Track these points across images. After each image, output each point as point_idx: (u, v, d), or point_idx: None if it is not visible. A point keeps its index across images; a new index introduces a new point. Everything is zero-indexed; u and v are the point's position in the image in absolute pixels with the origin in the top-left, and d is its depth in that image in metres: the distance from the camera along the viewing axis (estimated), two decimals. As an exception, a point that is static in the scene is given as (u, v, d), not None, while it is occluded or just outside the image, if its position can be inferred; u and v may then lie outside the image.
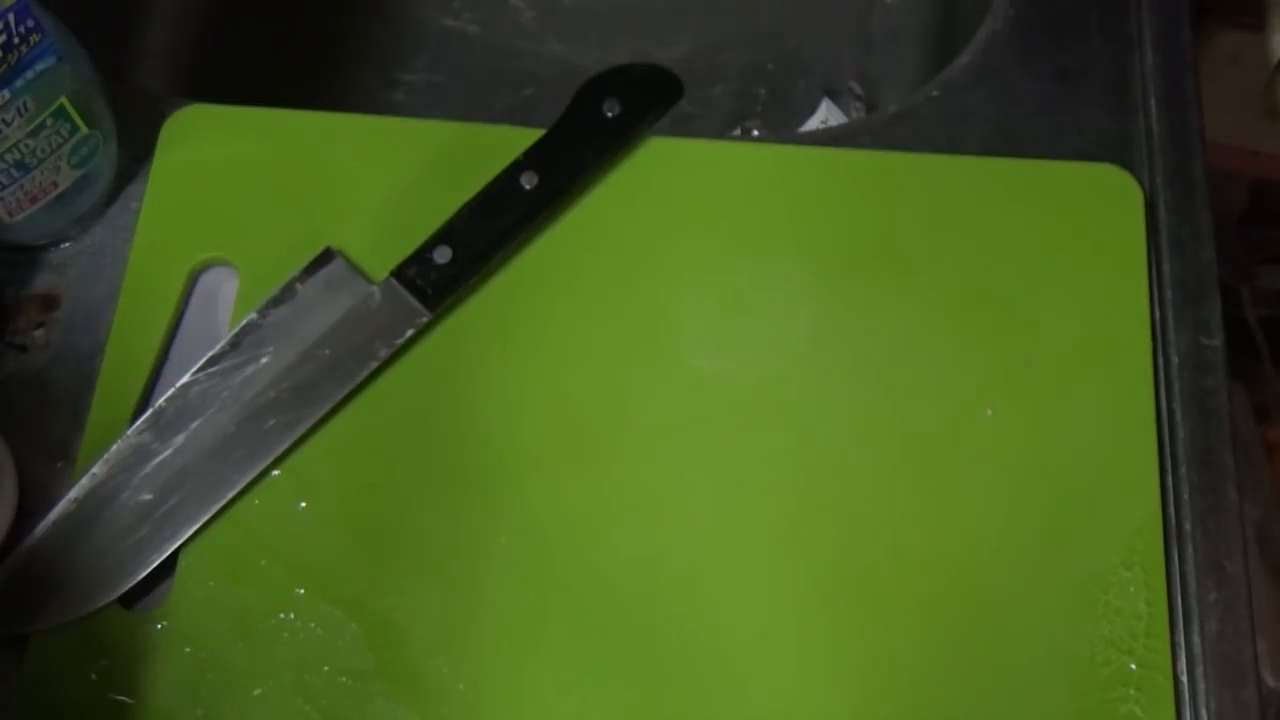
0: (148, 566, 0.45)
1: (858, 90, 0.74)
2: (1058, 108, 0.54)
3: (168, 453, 0.46)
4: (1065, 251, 0.51)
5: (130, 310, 0.49)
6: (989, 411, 0.48)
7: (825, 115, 0.72)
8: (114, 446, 0.46)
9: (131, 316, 0.49)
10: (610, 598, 0.45)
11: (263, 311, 0.48)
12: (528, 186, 0.49)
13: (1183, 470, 0.48)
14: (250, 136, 0.52)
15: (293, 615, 0.45)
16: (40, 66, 0.45)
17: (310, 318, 0.48)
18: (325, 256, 0.49)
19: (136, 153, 0.52)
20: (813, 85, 0.75)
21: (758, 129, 0.74)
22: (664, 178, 0.52)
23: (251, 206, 0.51)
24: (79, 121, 0.48)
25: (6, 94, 0.44)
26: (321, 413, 0.47)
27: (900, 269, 0.50)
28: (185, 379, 0.47)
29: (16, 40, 0.44)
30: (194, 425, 0.46)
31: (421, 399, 0.48)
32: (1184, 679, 0.45)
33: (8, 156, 0.46)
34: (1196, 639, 0.45)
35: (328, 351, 0.48)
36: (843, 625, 0.45)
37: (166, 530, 0.45)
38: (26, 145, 0.46)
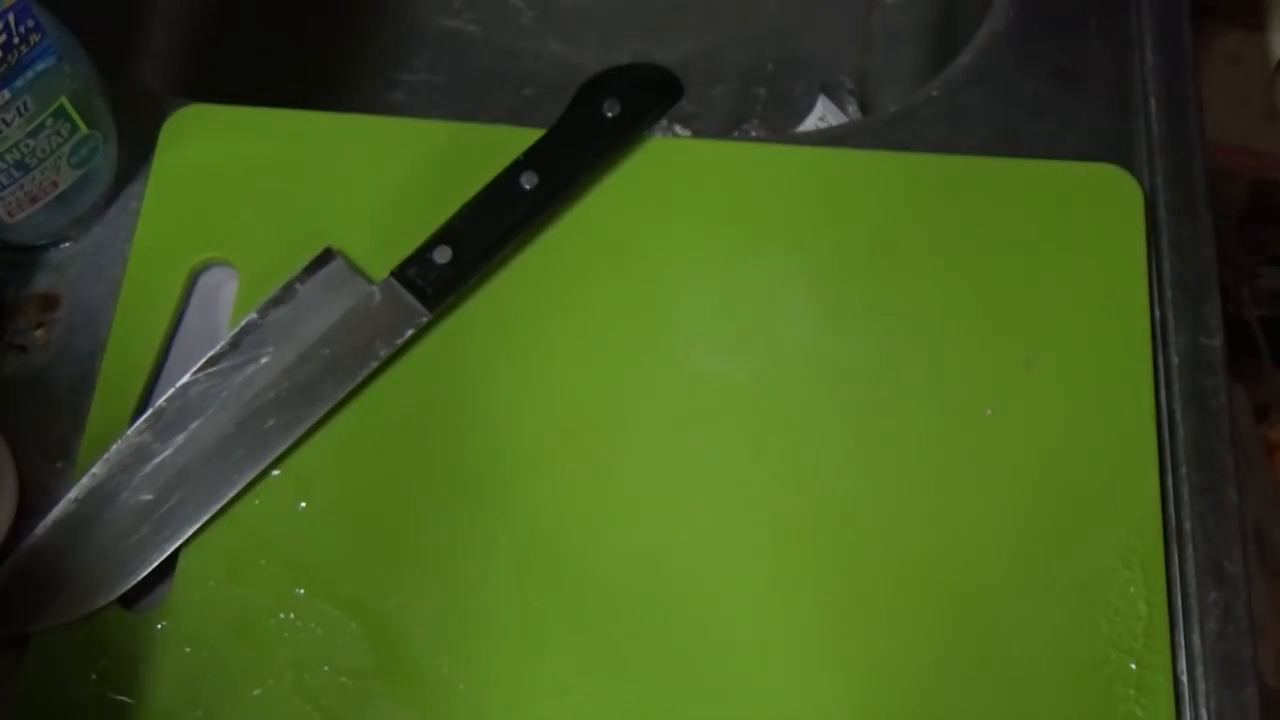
0: (148, 566, 0.45)
1: (849, 85, 0.74)
2: (1058, 108, 0.54)
3: (168, 453, 0.46)
4: (1065, 251, 0.51)
5: (130, 310, 0.49)
6: (989, 411, 0.48)
7: (822, 112, 0.72)
8: (114, 446, 0.46)
9: (131, 316, 0.49)
10: (610, 598, 0.46)
11: (263, 311, 0.48)
12: (528, 186, 0.49)
13: (1183, 470, 0.48)
14: (250, 136, 0.52)
15: (293, 615, 0.45)
16: (40, 66, 0.45)
17: (310, 318, 0.48)
18: (325, 256, 0.49)
19: (136, 153, 0.52)
20: (812, 85, 0.75)
21: (757, 129, 0.75)
22: (664, 178, 0.52)
23: (251, 206, 0.51)
24: (79, 121, 0.48)
25: (6, 94, 0.44)
26: (321, 413, 0.47)
27: (900, 269, 0.50)
28: (185, 379, 0.47)
29: (16, 40, 0.44)
30: (194, 425, 0.46)
31: (421, 399, 0.48)
32: (1184, 679, 0.45)
33: (8, 156, 0.46)
34: (1196, 639, 0.45)
35: (328, 351, 0.48)
36: (842, 624, 0.45)
37: (166, 530, 0.45)
38: (26, 145, 0.46)
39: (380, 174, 0.51)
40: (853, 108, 0.74)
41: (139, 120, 0.52)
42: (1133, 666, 0.45)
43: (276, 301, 0.48)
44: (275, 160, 0.52)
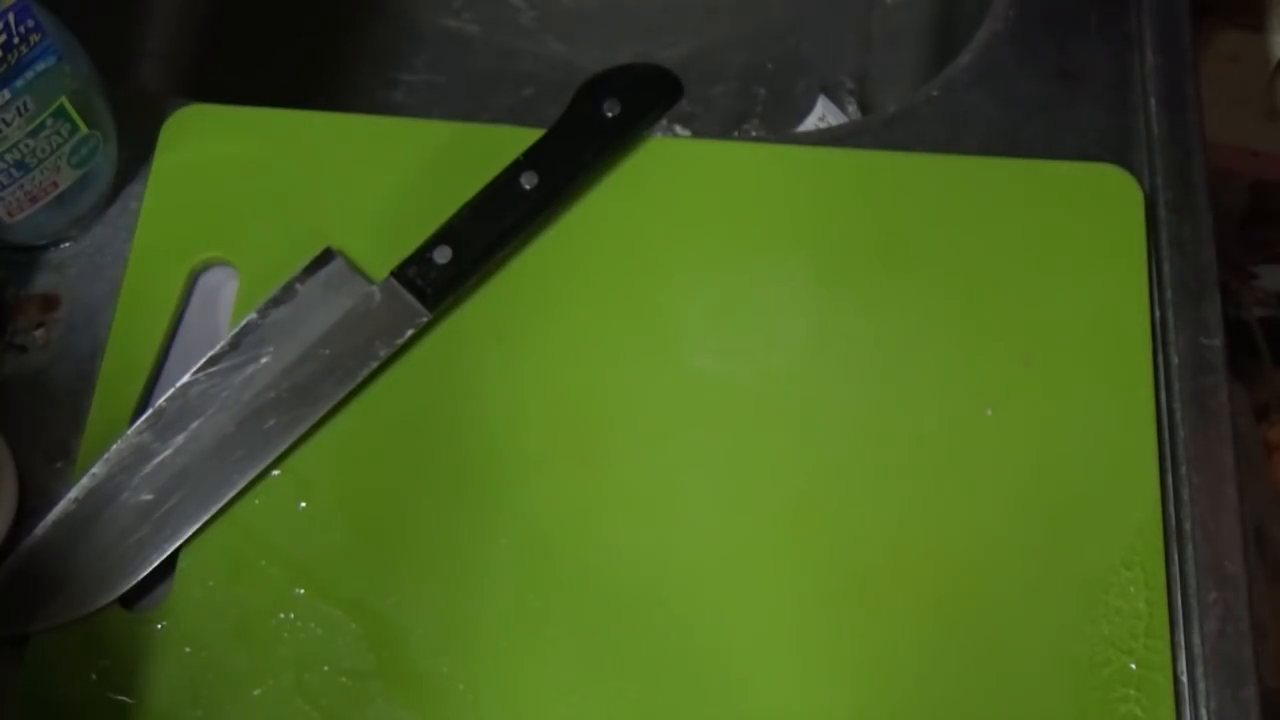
0: (148, 566, 0.45)
1: (849, 85, 0.74)
2: (1058, 108, 0.54)
3: (168, 453, 0.46)
4: (1065, 252, 0.51)
5: (130, 310, 0.49)
6: (989, 411, 0.48)
7: (822, 112, 0.72)
8: (114, 446, 0.46)
9: (131, 316, 0.49)
10: (610, 597, 0.46)
11: (263, 311, 0.48)
12: (528, 186, 0.49)
13: (1183, 470, 0.48)
14: (250, 136, 0.52)
15: (293, 615, 0.45)
16: (40, 66, 0.45)
17: (310, 318, 0.48)
18: (325, 256, 0.49)
19: (136, 153, 0.52)
20: (812, 85, 0.75)
21: (757, 129, 0.75)
22: (664, 178, 0.52)
23: (251, 206, 0.51)
24: (79, 121, 0.48)
25: (6, 94, 0.44)
26: (321, 413, 0.47)
27: (900, 269, 0.50)
28: (185, 379, 0.47)
29: (16, 40, 0.44)
30: (194, 425, 0.46)
31: (421, 399, 0.48)
32: (1184, 679, 0.45)
33: (8, 156, 0.46)
34: (1196, 639, 0.45)
35: (328, 351, 0.48)
36: (842, 624, 0.45)
37: (166, 530, 0.45)
38: (26, 145, 0.46)
39: (380, 174, 0.51)
40: (853, 108, 0.74)
41: (139, 120, 0.52)
42: (1133, 666, 0.45)
43: (276, 301, 0.48)
44: (275, 160, 0.52)
